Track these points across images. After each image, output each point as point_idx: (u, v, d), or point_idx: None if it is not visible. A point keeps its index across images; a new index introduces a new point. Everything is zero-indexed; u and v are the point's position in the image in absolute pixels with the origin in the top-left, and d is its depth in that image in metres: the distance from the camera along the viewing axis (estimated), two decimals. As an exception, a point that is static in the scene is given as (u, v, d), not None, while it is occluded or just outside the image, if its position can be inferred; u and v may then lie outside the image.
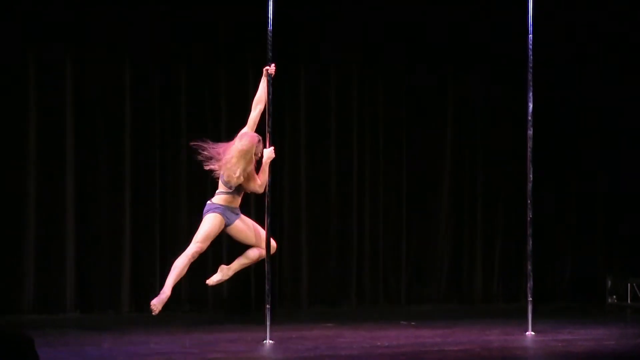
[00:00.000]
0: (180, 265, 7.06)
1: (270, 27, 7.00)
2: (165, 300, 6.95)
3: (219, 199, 7.06)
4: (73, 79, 8.97)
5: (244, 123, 7.14)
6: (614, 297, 10.25)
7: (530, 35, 7.57)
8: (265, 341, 6.95)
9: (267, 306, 6.99)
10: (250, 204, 8.64)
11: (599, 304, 10.22)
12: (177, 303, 9.22)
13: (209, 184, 9.37)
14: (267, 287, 7.06)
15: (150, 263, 9.19)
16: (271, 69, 7.01)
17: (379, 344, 7.05)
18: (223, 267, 7.28)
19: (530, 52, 7.59)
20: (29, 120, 8.89)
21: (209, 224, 7.05)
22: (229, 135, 9.20)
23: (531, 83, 7.60)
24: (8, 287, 8.83)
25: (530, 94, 7.59)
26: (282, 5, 7.20)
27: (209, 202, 7.08)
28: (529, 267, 7.62)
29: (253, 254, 7.17)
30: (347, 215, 9.85)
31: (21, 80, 8.88)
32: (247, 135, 7.02)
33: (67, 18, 8.95)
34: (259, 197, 7.49)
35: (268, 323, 6.97)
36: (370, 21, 9.86)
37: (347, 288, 9.84)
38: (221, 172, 7.01)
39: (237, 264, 7.24)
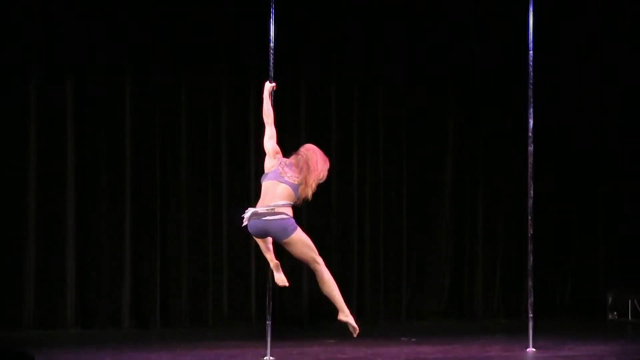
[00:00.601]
0: (332, 280, 6.48)
1: (272, 44, 7.01)
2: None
3: (290, 211, 6.39)
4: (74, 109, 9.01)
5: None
6: (615, 313, 10.23)
7: (531, 52, 7.59)
8: (265, 357, 6.93)
9: (268, 322, 6.98)
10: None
11: (600, 320, 10.19)
12: (178, 319, 9.22)
13: (210, 202, 9.45)
14: (268, 302, 7.05)
15: (151, 280, 9.17)
16: (273, 85, 7.00)
17: (379, 359, 7.07)
18: None
19: (531, 69, 7.61)
20: (29, 141, 8.91)
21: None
22: (232, 143, 9.40)
23: (532, 99, 7.62)
24: (9, 302, 8.81)
25: (531, 110, 7.60)
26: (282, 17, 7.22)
27: (288, 217, 6.30)
28: (530, 283, 7.61)
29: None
30: (347, 231, 9.84)
31: (23, 102, 8.92)
32: (326, 162, 6.51)
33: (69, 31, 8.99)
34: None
35: (269, 339, 6.95)
36: (373, 44, 9.91)
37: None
38: (300, 184, 6.35)
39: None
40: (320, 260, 6.36)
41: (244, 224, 6.35)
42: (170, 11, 9.24)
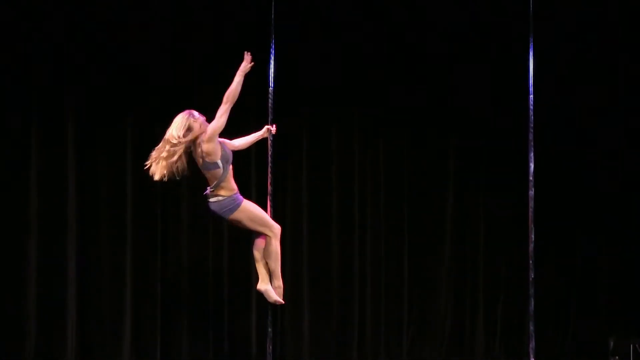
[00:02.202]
0: (278, 250, 6.89)
1: (271, 87, 7.01)
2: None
3: (224, 191, 6.83)
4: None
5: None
6: (617, 357, 10.16)
7: (531, 96, 7.60)
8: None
9: (268, 364, 6.96)
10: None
11: (602, 364, 10.15)
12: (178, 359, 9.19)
13: (211, 243, 9.42)
14: (268, 344, 7.00)
15: (151, 316, 9.13)
16: (273, 129, 7.00)
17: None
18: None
19: (532, 112, 7.61)
20: (29, 178, 8.91)
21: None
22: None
23: (532, 143, 7.61)
24: (9, 340, 8.77)
25: (532, 154, 7.59)
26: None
27: (224, 197, 6.79)
28: (531, 327, 7.58)
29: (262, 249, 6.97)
30: (348, 273, 9.79)
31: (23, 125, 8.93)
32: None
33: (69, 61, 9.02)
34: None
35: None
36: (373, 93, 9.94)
37: (348, 345, 9.76)
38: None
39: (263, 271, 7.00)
40: (274, 232, 6.80)
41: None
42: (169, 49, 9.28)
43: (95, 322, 9.01)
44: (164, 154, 6.59)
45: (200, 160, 6.69)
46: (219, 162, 6.65)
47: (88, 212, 9.04)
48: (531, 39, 7.67)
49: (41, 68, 8.87)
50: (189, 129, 6.58)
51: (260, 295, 6.96)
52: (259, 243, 6.92)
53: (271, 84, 7.03)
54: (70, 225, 8.94)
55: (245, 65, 6.68)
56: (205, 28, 9.29)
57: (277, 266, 6.86)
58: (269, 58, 7.04)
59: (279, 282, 6.92)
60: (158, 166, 6.64)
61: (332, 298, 9.72)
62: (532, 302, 7.59)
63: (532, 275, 7.58)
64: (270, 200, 7.04)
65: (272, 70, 7.05)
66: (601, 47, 10.08)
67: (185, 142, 6.59)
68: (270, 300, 6.94)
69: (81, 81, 9.00)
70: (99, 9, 9.02)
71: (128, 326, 9.06)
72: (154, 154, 6.70)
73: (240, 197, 6.81)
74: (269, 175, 7.06)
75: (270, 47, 7.04)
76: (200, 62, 9.29)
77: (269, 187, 7.07)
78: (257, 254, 6.92)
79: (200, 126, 6.61)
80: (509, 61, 9.63)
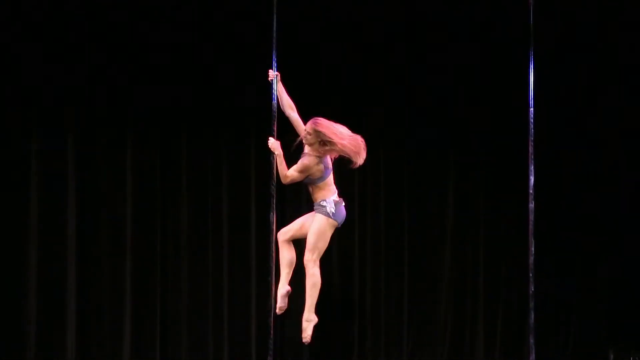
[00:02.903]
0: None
1: (274, 101, 7.03)
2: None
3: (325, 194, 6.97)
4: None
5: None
6: (617, 369, 10.18)
7: (532, 109, 7.62)
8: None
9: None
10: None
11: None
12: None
13: (210, 258, 9.43)
14: (269, 348, 7.03)
15: (150, 335, 9.17)
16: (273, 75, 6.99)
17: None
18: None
19: (532, 125, 7.63)
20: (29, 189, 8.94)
21: None
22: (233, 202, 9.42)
23: (532, 156, 7.63)
24: (9, 341, 8.82)
25: (532, 167, 7.61)
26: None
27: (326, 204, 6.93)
28: (531, 341, 7.59)
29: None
30: (347, 282, 9.83)
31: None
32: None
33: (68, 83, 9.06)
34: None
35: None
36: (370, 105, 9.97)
37: (349, 355, 9.76)
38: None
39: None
40: (313, 262, 6.79)
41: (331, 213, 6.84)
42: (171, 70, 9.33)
43: (95, 325, 9.04)
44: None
45: None
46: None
47: (88, 213, 9.07)
48: (531, 53, 7.69)
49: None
50: None
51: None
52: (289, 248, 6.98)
53: (274, 98, 7.05)
54: (69, 227, 8.98)
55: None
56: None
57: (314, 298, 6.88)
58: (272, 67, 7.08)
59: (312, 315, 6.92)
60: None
61: (333, 309, 9.73)
62: (532, 315, 7.60)
63: (532, 288, 7.59)
64: (274, 208, 7.02)
65: (275, 83, 7.08)
66: (601, 56, 10.16)
67: None
68: (278, 303, 6.94)
69: (81, 100, 9.08)
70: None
71: (128, 328, 9.09)
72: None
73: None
74: (273, 184, 7.03)
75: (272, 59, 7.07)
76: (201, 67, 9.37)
77: (273, 195, 7.06)
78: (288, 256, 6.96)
79: None
80: (509, 72, 9.69)
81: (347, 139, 6.76)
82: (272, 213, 6.88)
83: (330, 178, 6.93)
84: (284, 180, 6.81)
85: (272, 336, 6.98)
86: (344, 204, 6.95)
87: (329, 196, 6.86)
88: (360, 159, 6.83)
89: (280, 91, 6.96)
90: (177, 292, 9.29)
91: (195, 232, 9.35)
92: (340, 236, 9.64)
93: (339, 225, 6.94)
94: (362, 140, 6.84)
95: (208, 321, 9.35)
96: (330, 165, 6.91)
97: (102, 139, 9.13)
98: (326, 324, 9.58)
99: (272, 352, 7.06)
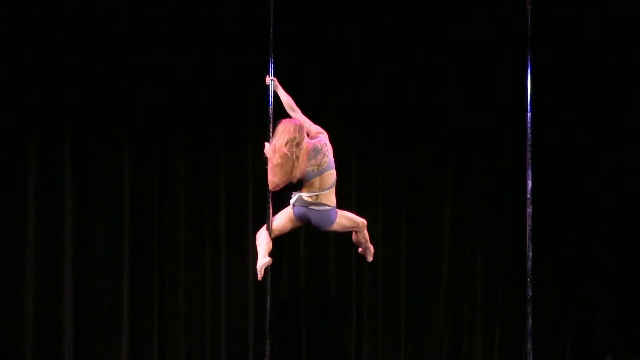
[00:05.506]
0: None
1: (270, 105, 7.03)
2: None
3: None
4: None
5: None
6: (614, 372, 10.18)
7: (529, 114, 7.62)
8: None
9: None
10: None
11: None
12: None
13: (208, 270, 9.42)
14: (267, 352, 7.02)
15: (148, 337, 9.15)
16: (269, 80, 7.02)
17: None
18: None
19: (529, 130, 7.63)
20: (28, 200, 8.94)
21: None
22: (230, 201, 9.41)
23: (530, 161, 7.62)
24: (7, 344, 8.82)
25: (529, 172, 7.61)
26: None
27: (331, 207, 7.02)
28: (529, 346, 7.57)
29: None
30: (345, 292, 9.81)
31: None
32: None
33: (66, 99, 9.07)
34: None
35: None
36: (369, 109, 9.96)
37: (347, 354, 9.77)
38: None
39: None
40: (362, 225, 7.20)
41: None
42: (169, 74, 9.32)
43: (92, 327, 9.03)
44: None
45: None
46: None
47: (85, 215, 9.06)
48: (529, 58, 7.70)
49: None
50: None
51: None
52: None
53: (271, 102, 7.06)
54: (67, 229, 8.98)
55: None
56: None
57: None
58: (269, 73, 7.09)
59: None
60: None
61: (329, 319, 9.71)
62: (530, 320, 7.59)
63: (529, 293, 7.58)
64: (270, 210, 7.05)
65: (271, 87, 7.09)
66: (601, 63, 10.16)
67: None
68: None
69: (79, 100, 9.08)
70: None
71: (125, 330, 9.08)
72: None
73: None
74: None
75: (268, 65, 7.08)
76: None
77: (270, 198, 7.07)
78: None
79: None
80: (507, 79, 9.70)
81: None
82: (268, 213, 6.88)
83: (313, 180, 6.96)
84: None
85: (268, 339, 6.99)
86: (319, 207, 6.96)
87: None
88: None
89: (279, 94, 6.98)
90: (174, 294, 9.27)
91: (193, 234, 9.34)
92: (336, 251, 9.70)
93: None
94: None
95: (205, 323, 9.33)
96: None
97: (99, 139, 9.12)
98: (322, 329, 9.66)
99: (269, 355, 7.06)
